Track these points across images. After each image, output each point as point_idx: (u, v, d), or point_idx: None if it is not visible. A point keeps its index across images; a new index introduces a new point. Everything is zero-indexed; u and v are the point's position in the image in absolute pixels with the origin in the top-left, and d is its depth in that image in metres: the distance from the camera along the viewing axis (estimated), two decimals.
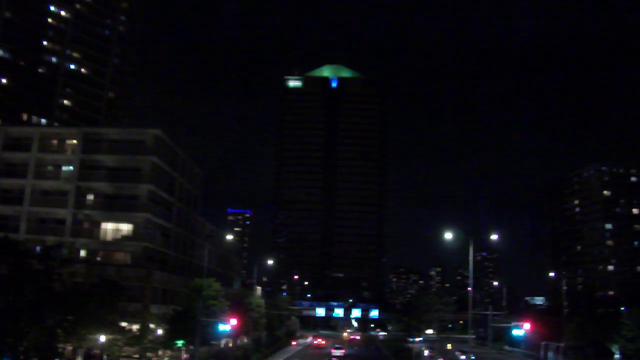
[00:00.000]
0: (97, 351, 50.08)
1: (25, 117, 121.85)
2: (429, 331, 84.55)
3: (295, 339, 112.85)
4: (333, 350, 79.70)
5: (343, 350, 79.60)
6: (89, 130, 77.70)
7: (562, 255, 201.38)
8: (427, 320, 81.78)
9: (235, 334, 70.39)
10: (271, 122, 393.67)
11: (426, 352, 75.13)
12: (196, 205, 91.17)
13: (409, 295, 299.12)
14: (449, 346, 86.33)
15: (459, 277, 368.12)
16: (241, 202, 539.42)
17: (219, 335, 60.22)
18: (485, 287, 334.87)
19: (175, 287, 70.82)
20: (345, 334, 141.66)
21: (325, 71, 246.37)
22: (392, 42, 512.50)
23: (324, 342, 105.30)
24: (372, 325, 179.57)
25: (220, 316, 57.20)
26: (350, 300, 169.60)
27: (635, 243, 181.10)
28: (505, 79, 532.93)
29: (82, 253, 70.35)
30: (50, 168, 73.28)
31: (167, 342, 53.66)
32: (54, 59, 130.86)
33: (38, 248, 44.72)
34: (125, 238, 70.01)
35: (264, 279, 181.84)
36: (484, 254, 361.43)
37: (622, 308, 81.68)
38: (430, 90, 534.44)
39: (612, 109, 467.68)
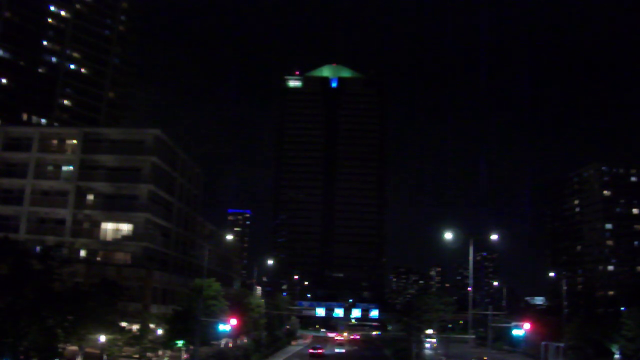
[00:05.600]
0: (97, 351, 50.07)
1: (25, 117, 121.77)
2: (429, 331, 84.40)
3: (295, 339, 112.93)
4: (337, 337, 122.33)
5: (343, 338, 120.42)
6: (89, 130, 77.75)
7: (562, 255, 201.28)
8: (427, 320, 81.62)
9: (235, 334, 70.33)
10: (271, 122, 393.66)
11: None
12: (196, 205, 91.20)
13: (409, 295, 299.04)
14: None
15: (459, 277, 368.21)
16: (241, 202, 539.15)
17: (219, 335, 60.12)
18: (485, 287, 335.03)
19: (175, 287, 70.85)
20: (345, 334, 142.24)
21: (325, 71, 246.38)
22: (392, 42, 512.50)
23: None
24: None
25: (220, 316, 57.09)
26: (350, 300, 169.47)
27: (635, 243, 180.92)
28: (506, 79, 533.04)
29: (82, 253, 70.41)
30: (50, 168, 73.34)
31: (167, 342, 53.61)
32: (54, 59, 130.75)
33: (38, 248, 44.69)
34: (125, 238, 70.08)
35: (264, 279, 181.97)
36: (484, 254, 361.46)
37: (622, 308, 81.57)
38: (430, 90, 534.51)
39: (612, 109, 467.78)
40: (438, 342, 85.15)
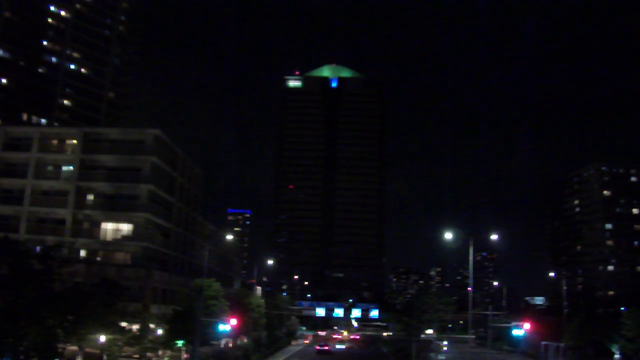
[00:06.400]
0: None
1: (25, 117, 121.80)
2: (429, 331, 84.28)
3: (295, 338, 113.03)
4: (334, 336, 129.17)
5: (340, 337, 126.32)
6: (89, 130, 77.74)
7: (562, 255, 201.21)
8: (427, 320, 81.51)
9: (235, 334, 70.33)
10: (271, 122, 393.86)
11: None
12: (196, 205, 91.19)
13: (409, 295, 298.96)
14: None
15: (459, 277, 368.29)
16: (241, 202, 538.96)
17: (219, 335, 60.13)
18: (485, 287, 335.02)
19: (175, 287, 70.85)
20: (345, 333, 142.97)
21: (325, 71, 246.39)
22: (392, 42, 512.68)
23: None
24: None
25: (220, 316, 57.13)
26: (350, 300, 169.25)
27: (635, 243, 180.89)
28: (506, 78, 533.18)
29: (82, 253, 70.43)
30: (50, 168, 73.37)
31: (167, 342, 53.61)
32: (54, 59, 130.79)
33: (38, 248, 44.69)
34: (125, 238, 70.10)
35: (264, 279, 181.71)
36: (484, 254, 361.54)
37: (622, 308, 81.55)
38: (430, 90, 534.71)
39: (612, 109, 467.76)
40: (448, 345, 78.07)
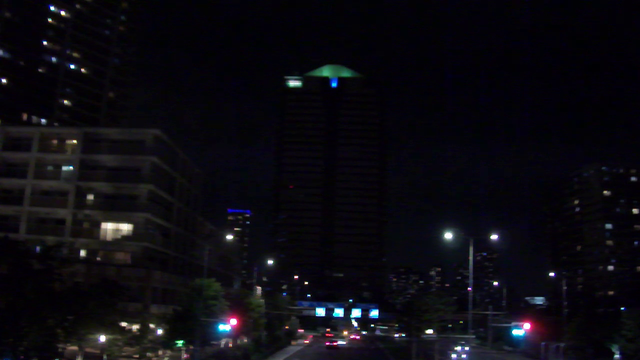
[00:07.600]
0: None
1: (25, 117, 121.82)
2: (429, 331, 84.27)
3: (295, 338, 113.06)
4: (327, 335, 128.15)
5: (332, 335, 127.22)
6: (89, 130, 77.80)
7: (562, 255, 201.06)
8: (427, 320, 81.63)
9: (235, 334, 70.33)
10: (271, 122, 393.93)
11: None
12: (196, 205, 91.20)
13: (409, 295, 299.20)
14: None
15: (459, 277, 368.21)
16: (241, 202, 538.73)
17: (219, 335, 60.15)
18: (485, 287, 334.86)
19: (175, 287, 70.89)
20: (345, 332, 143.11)
21: (325, 71, 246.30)
22: (392, 42, 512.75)
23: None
24: (372, 325, 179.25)
25: (220, 316, 57.14)
26: (350, 300, 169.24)
27: (635, 243, 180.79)
28: (506, 79, 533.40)
29: (82, 253, 70.45)
30: (50, 168, 73.41)
31: (167, 342, 53.65)
32: (54, 59, 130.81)
33: (38, 248, 44.72)
34: (125, 238, 70.11)
35: (264, 279, 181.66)
36: (484, 254, 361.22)
37: (622, 308, 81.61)
38: (430, 90, 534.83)
39: (612, 109, 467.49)
40: (470, 350, 66.42)
